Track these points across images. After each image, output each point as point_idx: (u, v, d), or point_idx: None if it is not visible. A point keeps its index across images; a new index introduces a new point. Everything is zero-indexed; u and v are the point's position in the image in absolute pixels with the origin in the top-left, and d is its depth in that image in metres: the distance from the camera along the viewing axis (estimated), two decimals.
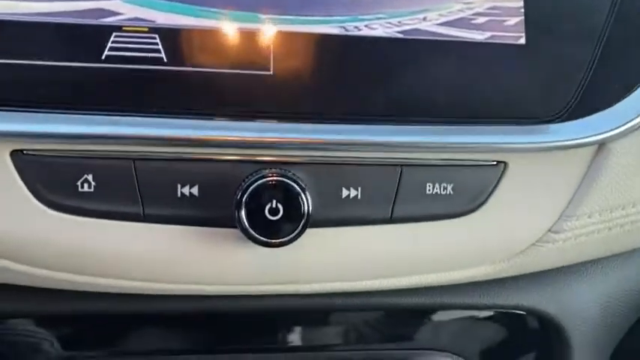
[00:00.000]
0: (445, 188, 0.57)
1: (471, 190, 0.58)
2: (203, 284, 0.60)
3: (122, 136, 0.51)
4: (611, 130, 0.57)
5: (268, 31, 0.53)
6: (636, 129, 0.58)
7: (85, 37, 0.51)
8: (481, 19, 0.56)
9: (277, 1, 0.53)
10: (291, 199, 0.52)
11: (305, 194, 0.53)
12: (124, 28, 0.51)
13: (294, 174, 0.54)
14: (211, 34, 0.52)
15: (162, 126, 0.52)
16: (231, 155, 0.54)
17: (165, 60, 0.52)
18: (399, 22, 0.55)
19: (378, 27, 0.54)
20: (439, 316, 0.74)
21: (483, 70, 0.55)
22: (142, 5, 0.52)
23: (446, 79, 0.55)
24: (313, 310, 0.70)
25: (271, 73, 0.53)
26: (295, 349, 0.72)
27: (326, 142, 0.54)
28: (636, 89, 0.58)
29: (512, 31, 0.56)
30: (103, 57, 0.51)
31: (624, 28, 0.58)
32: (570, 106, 0.57)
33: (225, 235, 0.55)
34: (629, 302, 0.77)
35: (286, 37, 0.53)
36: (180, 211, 0.54)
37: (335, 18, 0.54)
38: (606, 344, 0.79)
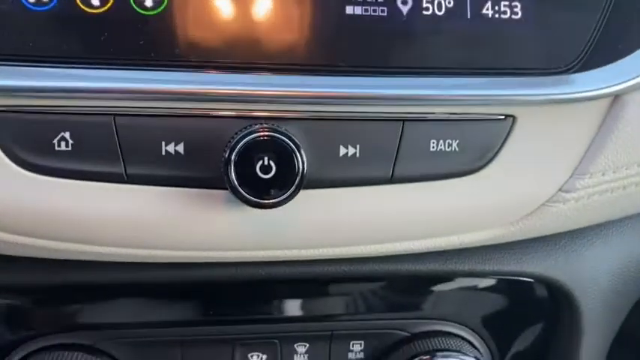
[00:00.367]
0: (450, 145, 0.54)
1: (477, 147, 0.55)
2: (191, 250, 0.57)
3: (101, 90, 0.48)
4: (628, 80, 0.54)
5: None
6: None
7: None
8: None
9: None
10: (284, 157, 0.49)
11: (299, 152, 0.49)
12: None
13: (287, 130, 0.50)
14: None
15: (144, 79, 0.49)
16: (219, 110, 0.51)
17: (148, 9, 0.48)
18: None
19: None
20: (444, 285, 0.72)
21: (491, 21, 0.52)
22: None
23: (451, 30, 0.52)
24: (312, 279, 0.68)
25: (263, 22, 0.50)
26: (295, 319, 0.70)
27: (322, 95, 0.51)
28: None
29: None
30: (81, 4, 0.48)
31: None
32: (583, 57, 0.54)
33: (214, 197, 0.52)
34: None
35: None
36: (165, 170, 0.51)
37: None
38: (617, 311, 0.77)
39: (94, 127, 0.50)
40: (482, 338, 0.74)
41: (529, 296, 0.74)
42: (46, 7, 0.48)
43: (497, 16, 0.53)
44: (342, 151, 0.53)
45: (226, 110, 0.51)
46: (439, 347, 0.70)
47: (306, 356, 0.71)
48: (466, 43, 0.52)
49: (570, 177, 0.58)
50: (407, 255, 0.64)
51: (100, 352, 0.66)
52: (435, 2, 0.52)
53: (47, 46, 0.48)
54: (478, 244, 0.63)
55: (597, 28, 0.54)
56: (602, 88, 0.54)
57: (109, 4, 0.48)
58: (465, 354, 0.70)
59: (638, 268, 0.75)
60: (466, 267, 0.69)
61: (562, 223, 0.63)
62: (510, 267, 0.70)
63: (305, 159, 0.49)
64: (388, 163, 0.54)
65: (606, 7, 0.54)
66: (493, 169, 0.56)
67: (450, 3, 0.52)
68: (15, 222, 0.53)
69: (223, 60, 0.50)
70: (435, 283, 0.71)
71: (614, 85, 0.54)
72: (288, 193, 0.49)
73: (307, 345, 0.70)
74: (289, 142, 0.49)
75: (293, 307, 0.70)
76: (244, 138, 0.49)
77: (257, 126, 0.50)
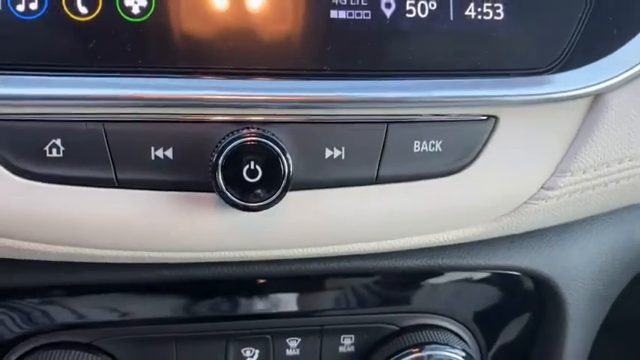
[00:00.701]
0: (433, 145, 0.55)
1: (460, 147, 0.56)
2: (181, 252, 0.58)
3: (90, 97, 0.49)
4: (608, 79, 0.55)
5: None
6: (634, 79, 0.55)
7: None
8: None
9: None
10: (270, 161, 0.50)
11: (285, 155, 0.50)
12: None
13: (273, 134, 0.51)
14: None
15: (130, 86, 0.49)
16: (206, 115, 0.52)
17: (135, 16, 0.49)
18: None
19: None
20: (432, 279, 0.73)
21: (474, 23, 0.53)
22: None
23: (434, 33, 0.52)
24: (300, 276, 0.69)
25: (248, 28, 0.50)
26: (287, 314, 0.71)
27: (307, 99, 0.51)
28: (633, 37, 0.55)
29: None
30: (69, 13, 0.48)
31: None
32: (564, 57, 0.54)
33: (202, 200, 0.53)
34: (624, 260, 0.76)
35: None
36: (155, 175, 0.52)
37: None
38: (602, 303, 0.78)
39: (85, 134, 0.50)
40: (470, 331, 0.75)
41: (515, 289, 0.75)
42: (34, 16, 0.48)
43: (479, 17, 0.53)
44: (328, 153, 0.53)
45: (213, 115, 0.52)
46: (428, 340, 0.71)
47: (297, 350, 0.72)
48: (449, 45, 0.53)
49: (552, 175, 0.59)
50: (394, 252, 0.65)
51: (96, 349, 0.67)
52: (419, 5, 0.52)
53: (36, 54, 0.48)
54: (462, 241, 0.64)
55: (578, 29, 0.54)
56: (582, 88, 0.54)
57: (96, 12, 0.49)
58: (452, 346, 0.71)
59: (622, 261, 0.76)
60: (453, 262, 0.70)
61: (544, 220, 0.64)
62: (496, 261, 0.71)
63: (290, 162, 0.50)
64: (373, 165, 0.54)
65: (587, 8, 0.54)
66: (476, 169, 0.56)
67: (432, 5, 0.52)
68: (8, 227, 0.54)
69: (209, 66, 0.50)
70: (423, 278, 0.73)
71: (594, 85, 0.54)
72: (275, 195, 0.50)
73: (299, 339, 0.72)
74: (275, 146, 0.50)
75: (284, 303, 0.71)
76: (231, 142, 0.50)
77: (244, 130, 0.51)
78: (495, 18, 0.53)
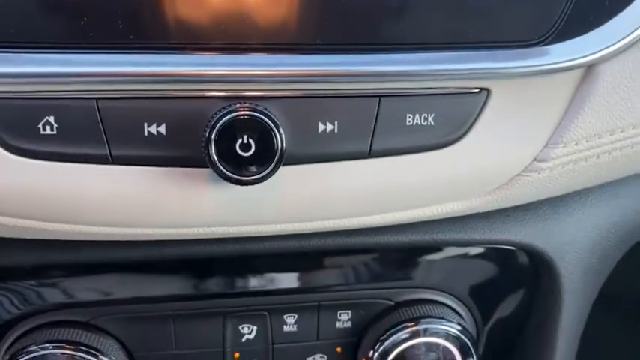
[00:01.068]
0: (426, 119, 0.55)
1: (452, 120, 0.56)
2: (176, 228, 0.59)
3: (82, 74, 0.49)
4: (600, 50, 0.54)
5: None
6: (625, 50, 0.55)
7: None
8: None
9: None
10: (263, 135, 0.50)
11: (278, 130, 0.50)
12: None
13: (265, 108, 0.51)
14: None
15: (124, 63, 0.49)
16: (199, 91, 0.52)
17: None
18: None
19: None
20: (427, 254, 0.74)
21: None
22: None
23: (426, 6, 0.52)
24: (296, 253, 0.69)
25: (239, 3, 0.50)
26: (284, 291, 0.72)
27: (300, 73, 0.51)
28: (624, 8, 0.55)
29: None
30: None
31: None
32: (557, 28, 0.54)
33: (196, 175, 0.53)
34: (619, 234, 0.76)
35: None
36: (149, 151, 0.52)
37: None
38: (596, 276, 0.78)
39: (78, 111, 0.51)
40: (465, 305, 0.76)
41: (510, 263, 0.76)
42: None
43: None
44: (321, 127, 0.54)
45: (206, 91, 0.52)
46: (423, 314, 0.72)
47: (295, 326, 0.73)
48: (440, 18, 0.53)
49: (544, 147, 0.59)
50: (389, 227, 0.65)
51: (94, 327, 0.68)
52: None
53: (28, 31, 0.48)
54: (456, 215, 0.65)
55: (569, 1, 0.54)
56: (575, 59, 0.54)
57: None
58: (448, 320, 0.72)
59: (616, 234, 0.76)
60: (448, 236, 0.70)
61: (538, 192, 0.64)
62: (491, 235, 0.71)
63: (284, 136, 0.50)
64: (366, 139, 0.55)
65: None
66: (468, 142, 0.57)
67: None
68: (3, 205, 0.54)
69: (202, 41, 0.50)
70: (418, 253, 0.73)
71: (586, 56, 0.54)
72: (268, 170, 0.51)
73: (296, 315, 0.72)
74: (268, 120, 0.50)
75: (281, 280, 0.71)
76: (224, 117, 0.50)
77: (237, 105, 0.51)
78: None
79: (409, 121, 0.55)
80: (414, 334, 0.70)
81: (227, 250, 0.66)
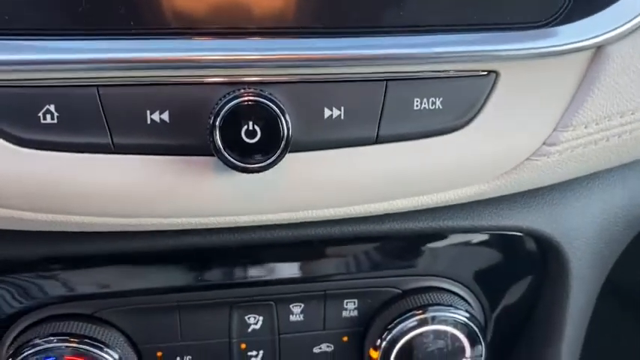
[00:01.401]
0: (434, 103, 0.55)
1: (461, 104, 0.55)
2: (181, 217, 0.58)
3: (83, 61, 0.48)
4: (609, 31, 0.54)
5: None
6: (634, 31, 0.55)
7: None
8: None
9: None
10: (269, 121, 0.50)
11: (284, 116, 0.50)
12: None
13: (271, 94, 0.51)
14: None
15: (124, 49, 0.49)
16: (202, 77, 0.51)
17: None
18: None
19: None
20: (434, 242, 0.73)
21: None
22: None
23: None
24: (304, 241, 0.69)
25: None
26: (290, 280, 0.72)
27: (305, 57, 0.51)
28: None
29: None
30: None
31: None
32: (565, 9, 0.54)
33: (201, 163, 0.53)
34: (627, 219, 0.76)
35: None
36: (152, 139, 0.52)
37: None
38: (604, 261, 0.78)
39: (79, 99, 0.50)
40: (473, 292, 0.76)
41: (518, 250, 0.76)
42: None
43: None
44: (327, 113, 0.53)
45: (210, 77, 0.51)
46: (431, 302, 0.72)
47: (301, 316, 0.73)
48: (447, 0, 0.52)
49: (554, 130, 0.59)
50: (396, 214, 0.65)
51: (99, 320, 0.68)
52: None
53: (26, 18, 0.48)
54: (465, 201, 0.64)
55: None
56: (584, 40, 0.54)
57: None
58: (456, 307, 0.72)
59: (624, 219, 0.76)
60: (455, 223, 0.70)
61: (547, 177, 0.64)
62: (498, 222, 0.71)
63: (290, 123, 0.50)
64: (373, 124, 0.54)
65: None
66: (477, 126, 0.56)
67: None
68: (5, 196, 0.54)
69: (205, 26, 0.50)
70: (425, 241, 0.73)
71: (596, 37, 0.54)
72: (274, 157, 0.50)
73: (302, 305, 0.72)
74: (274, 106, 0.50)
75: (287, 270, 0.71)
76: (229, 103, 0.49)
77: (241, 90, 0.50)
78: None
79: (417, 106, 0.54)
80: (422, 323, 0.70)
81: (232, 239, 0.66)
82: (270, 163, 0.50)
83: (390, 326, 0.71)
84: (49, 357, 0.64)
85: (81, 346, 0.65)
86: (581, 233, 0.74)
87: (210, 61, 0.49)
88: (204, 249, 0.68)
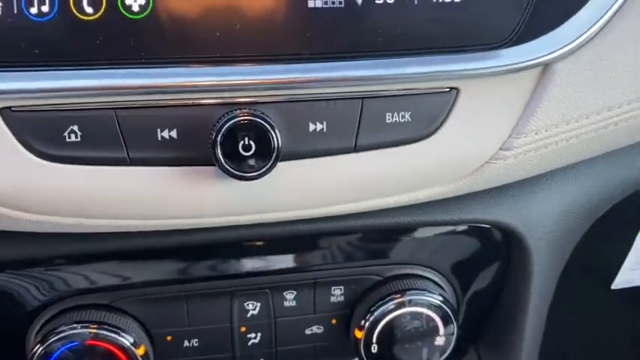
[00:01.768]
0: (403, 116, 0.61)
1: (427, 117, 0.62)
2: (188, 218, 0.65)
3: (101, 88, 0.55)
4: (554, 51, 0.60)
5: None
6: (576, 50, 0.61)
7: None
8: None
9: None
10: (261, 136, 0.56)
11: (274, 131, 0.56)
12: None
13: (263, 113, 0.57)
14: None
15: (136, 76, 0.55)
16: (204, 99, 0.58)
17: (135, 13, 0.53)
18: None
19: None
20: (412, 234, 0.80)
21: (436, 5, 0.58)
22: None
23: (401, 16, 0.57)
24: (296, 236, 0.75)
25: (236, 19, 0.55)
26: (283, 271, 0.78)
27: (291, 80, 0.57)
28: (575, 14, 0.60)
29: None
30: (76, 13, 0.53)
31: None
32: (516, 33, 0.60)
33: (205, 173, 0.60)
34: (581, 210, 0.83)
35: None
36: (163, 153, 0.58)
37: None
38: (562, 248, 0.85)
39: (99, 120, 0.56)
40: (446, 278, 0.82)
41: (486, 240, 0.82)
42: (46, 18, 0.52)
43: (440, 1, 0.58)
44: (312, 127, 0.59)
45: (210, 99, 0.57)
46: (408, 287, 0.78)
47: (294, 302, 0.78)
48: (414, 27, 0.58)
49: (509, 137, 0.64)
50: (375, 211, 0.71)
51: (115, 309, 0.74)
52: None
53: (50, 52, 0.53)
54: (434, 199, 0.71)
55: (527, 8, 0.59)
56: (532, 60, 0.60)
57: (100, 12, 0.53)
58: (431, 292, 0.78)
59: (580, 211, 0.83)
60: (428, 218, 0.76)
61: (506, 176, 0.71)
62: (466, 215, 0.78)
63: (279, 136, 0.56)
64: (351, 135, 0.61)
65: None
66: (441, 135, 0.62)
67: None
68: (35, 204, 0.60)
69: (204, 55, 0.55)
70: (403, 233, 0.79)
71: (542, 57, 0.60)
72: (267, 166, 0.56)
73: (295, 292, 0.78)
74: (265, 123, 0.56)
75: (281, 261, 0.77)
76: (228, 122, 0.56)
77: (237, 111, 0.57)
78: (455, 1, 0.58)
79: (389, 119, 0.61)
80: (400, 305, 0.76)
81: (232, 236, 0.72)
82: (263, 172, 0.57)
83: (372, 309, 0.77)
84: (74, 342, 0.69)
85: (100, 331, 0.70)
86: (540, 224, 0.80)
87: (210, 86, 0.56)
88: (208, 245, 0.73)
